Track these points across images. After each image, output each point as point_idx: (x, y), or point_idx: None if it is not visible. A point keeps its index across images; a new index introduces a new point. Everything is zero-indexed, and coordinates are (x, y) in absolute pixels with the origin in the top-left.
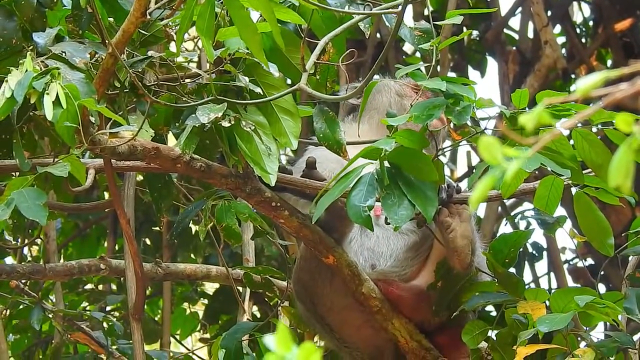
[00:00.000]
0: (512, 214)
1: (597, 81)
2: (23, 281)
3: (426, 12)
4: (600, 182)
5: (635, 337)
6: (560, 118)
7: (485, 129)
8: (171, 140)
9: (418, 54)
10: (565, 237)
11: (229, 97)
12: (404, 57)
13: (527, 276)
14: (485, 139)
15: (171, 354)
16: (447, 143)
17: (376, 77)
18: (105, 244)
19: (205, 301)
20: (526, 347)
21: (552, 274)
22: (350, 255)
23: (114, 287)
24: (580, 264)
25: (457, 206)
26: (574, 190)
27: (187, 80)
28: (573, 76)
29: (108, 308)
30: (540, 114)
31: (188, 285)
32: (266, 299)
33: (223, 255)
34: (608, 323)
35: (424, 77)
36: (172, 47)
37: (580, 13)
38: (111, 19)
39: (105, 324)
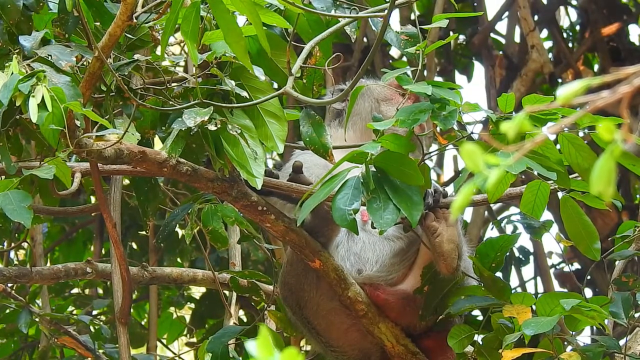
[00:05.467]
0: (499, 218)
1: (579, 89)
2: (10, 285)
3: (412, 17)
4: (587, 186)
5: (621, 342)
6: (547, 122)
7: (472, 133)
8: (157, 144)
9: (405, 58)
10: (551, 242)
11: (216, 100)
12: (390, 61)
13: (514, 280)
14: (468, 147)
15: (157, 358)
16: (434, 147)
17: (362, 81)
18: (92, 248)
19: (192, 305)
20: (512, 350)
21: (538, 279)
22: (336, 259)
23: (100, 291)
24: (566, 269)
25: (444, 210)
26: (560, 194)
27: (174, 84)
28: (560, 80)
29: (94, 312)
30: (522, 122)
31: (174, 289)
32: (253, 303)
33: (209, 259)
34: (594, 327)
35: (410, 81)
36: (159, 50)
37: (567, 17)
38: (97, 23)
39: (92, 328)
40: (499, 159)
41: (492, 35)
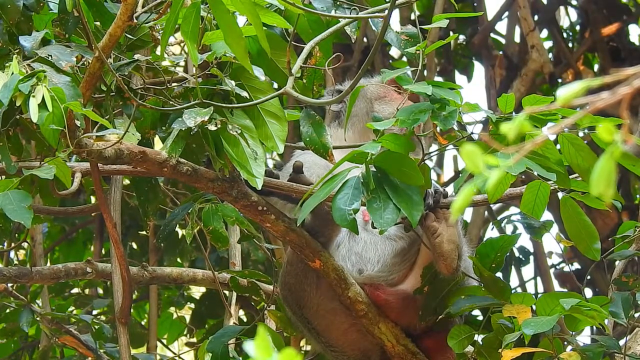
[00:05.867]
0: (499, 218)
1: (579, 90)
2: (10, 285)
3: (412, 17)
4: (587, 186)
5: (621, 342)
6: (547, 123)
7: (472, 133)
8: (157, 144)
9: (405, 58)
10: (551, 242)
11: (216, 100)
12: (390, 61)
13: (514, 280)
14: (468, 147)
15: (158, 358)
16: (434, 147)
17: (362, 81)
18: (92, 248)
19: (192, 305)
20: (512, 350)
21: (538, 279)
22: (337, 259)
23: (100, 291)
24: (566, 269)
25: (444, 211)
26: (560, 194)
27: (174, 84)
28: (560, 80)
29: (94, 312)
30: (522, 123)
31: (174, 289)
32: (253, 303)
33: (209, 259)
34: (594, 327)
35: (410, 81)
36: (159, 50)
37: (567, 17)
38: (97, 23)
39: (93, 327)
40: (499, 159)
41: (492, 35)
